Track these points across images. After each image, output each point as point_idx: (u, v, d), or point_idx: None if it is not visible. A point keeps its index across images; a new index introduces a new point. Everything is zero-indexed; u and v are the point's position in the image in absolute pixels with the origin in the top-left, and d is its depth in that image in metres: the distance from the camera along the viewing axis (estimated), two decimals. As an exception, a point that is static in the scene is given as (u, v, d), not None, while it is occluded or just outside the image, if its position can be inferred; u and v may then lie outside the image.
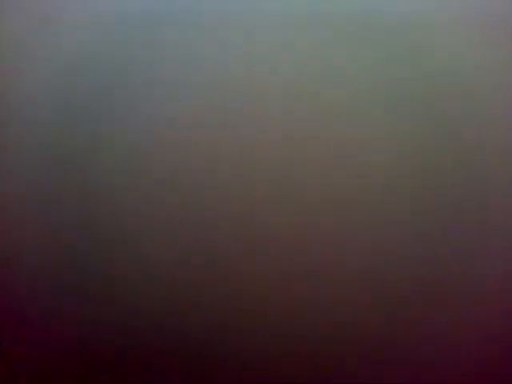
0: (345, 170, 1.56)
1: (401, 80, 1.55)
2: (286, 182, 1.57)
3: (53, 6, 1.64)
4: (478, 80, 1.54)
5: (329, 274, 1.56)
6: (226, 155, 1.58)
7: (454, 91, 1.55)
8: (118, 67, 1.61)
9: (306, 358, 1.57)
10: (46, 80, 1.63)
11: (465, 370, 1.55)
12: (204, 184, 1.58)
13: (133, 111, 1.60)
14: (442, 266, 1.55)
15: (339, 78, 1.57)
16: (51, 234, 1.61)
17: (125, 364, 1.60)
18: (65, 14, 1.63)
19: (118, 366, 1.60)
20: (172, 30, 1.60)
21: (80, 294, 1.60)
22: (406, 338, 1.55)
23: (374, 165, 1.55)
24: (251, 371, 1.58)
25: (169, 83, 1.59)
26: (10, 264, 1.62)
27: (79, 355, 1.60)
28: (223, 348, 1.58)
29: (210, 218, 1.58)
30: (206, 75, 1.59)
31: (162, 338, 1.59)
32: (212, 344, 1.58)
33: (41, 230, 1.62)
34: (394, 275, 1.55)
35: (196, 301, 1.58)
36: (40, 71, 1.63)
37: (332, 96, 1.56)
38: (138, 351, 1.59)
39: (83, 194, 1.60)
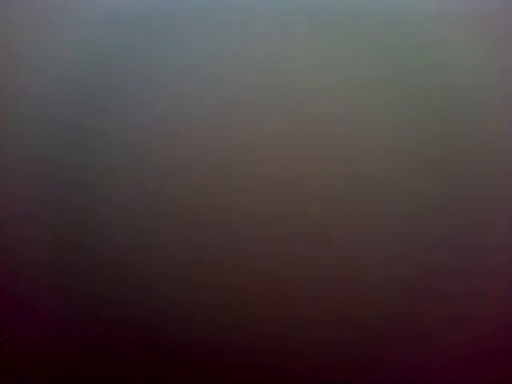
0: (345, 167, 1.56)
1: (401, 79, 1.56)
2: (286, 180, 1.57)
3: (53, 4, 1.64)
4: (477, 78, 1.54)
5: (327, 272, 1.56)
6: (226, 154, 1.58)
7: (454, 89, 1.55)
8: (118, 66, 1.61)
9: (304, 357, 1.57)
10: (45, 79, 1.63)
11: (463, 370, 1.55)
12: (204, 183, 1.58)
13: (133, 110, 1.60)
14: (441, 265, 1.55)
15: (339, 77, 1.57)
16: (50, 232, 1.62)
17: (124, 362, 1.60)
18: (64, 12, 1.63)
19: (116, 364, 1.60)
20: (172, 29, 1.60)
21: (80, 294, 1.61)
22: (405, 336, 1.55)
23: (373, 163, 1.56)
24: (250, 370, 1.59)
25: (169, 82, 1.60)
26: (10, 263, 1.62)
27: (79, 355, 1.61)
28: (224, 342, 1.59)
29: (210, 217, 1.58)
30: (206, 74, 1.59)
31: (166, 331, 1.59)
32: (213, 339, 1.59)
33: (40, 229, 1.62)
34: (394, 272, 1.55)
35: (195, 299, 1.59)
36: (39, 70, 1.63)
37: (332, 95, 1.57)
38: (139, 350, 1.60)
39: (83, 192, 1.60)
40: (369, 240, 1.55)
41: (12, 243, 1.62)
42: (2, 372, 1.61)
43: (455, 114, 1.54)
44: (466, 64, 1.54)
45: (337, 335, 1.56)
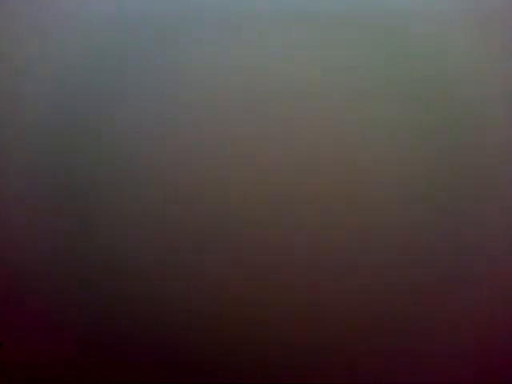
0: (345, 168, 1.56)
1: (401, 79, 1.56)
2: (287, 180, 1.57)
3: (53, 5, 1.64)
4: (477, 78, 1.55)
5: (330, 268, 1.56)
6: (227, 154, 1.58)
7: (454, 89, 1.55)
8: (118, 67, 1.61)
9: (310, 354, 1.57)
10: (46, 80, 1.63)
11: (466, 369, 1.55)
12: (204, 182, 1.58)
13: (132, 111, 1.60)
14: (441, 264, 1.55)
15: (340, 78, 1.57)
16: (51, 232, 1.61)
17: (123, 364, 1.60)
18: (65, 13, 1.63)
19: (116, 365, 1.60)
20: (172, 29, 1.60)
21: (80, 294, 1.61)
22: (407, 332, 1.55)
23: (373, 164, 1.56)
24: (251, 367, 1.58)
25: (169, 83, 1.60)
26: (10, 263, 1.62)
27: (79, 356, 1.60)
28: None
29: (209, 221, 1.58)
30: (206, 75, 1.59)
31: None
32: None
33: (41, 230, 1.62)
34: (394, 268, 1.55)
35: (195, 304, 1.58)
36: (40, 71, 1.63)
37: (332, 95, 1.57)
38: (140, 353, 1.59)
39: (83, 194, 1.60)
40: (369, 243, 1.55)
41: (13, 243, 1.62)
42: (2, 372, 1.61)
43: (455, 113, 1.54)
44: (466, 64, 1.54)
45: (335, 337, 1.56)
